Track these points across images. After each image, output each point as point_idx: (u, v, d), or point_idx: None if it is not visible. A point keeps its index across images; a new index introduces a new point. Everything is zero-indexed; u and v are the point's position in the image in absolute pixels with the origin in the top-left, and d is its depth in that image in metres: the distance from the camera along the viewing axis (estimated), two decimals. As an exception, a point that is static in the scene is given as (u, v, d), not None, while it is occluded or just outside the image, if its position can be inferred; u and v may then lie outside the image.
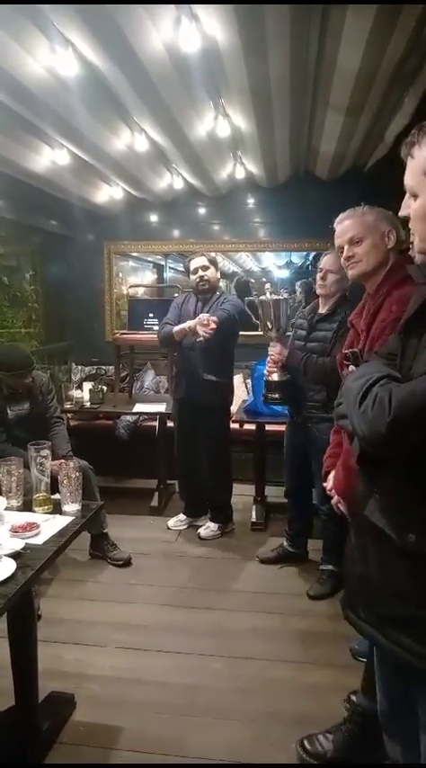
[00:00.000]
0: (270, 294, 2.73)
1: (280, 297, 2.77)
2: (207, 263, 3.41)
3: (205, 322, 3.08)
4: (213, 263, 3.44)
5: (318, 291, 2.87)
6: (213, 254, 3.57)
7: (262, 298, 2.78)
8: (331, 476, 1.90)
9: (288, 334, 2.87)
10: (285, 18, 2.15)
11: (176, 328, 3.31)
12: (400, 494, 1.10)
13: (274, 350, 2.77)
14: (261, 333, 2.84)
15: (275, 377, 2.79)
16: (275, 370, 2.78)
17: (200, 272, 3.39)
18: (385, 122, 3.38)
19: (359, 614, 1.23)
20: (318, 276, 2.84)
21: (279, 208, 4.88)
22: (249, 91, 2.76)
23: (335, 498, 1.83)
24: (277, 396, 2.81)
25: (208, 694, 2.17)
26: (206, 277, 3.38)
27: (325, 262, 2.82)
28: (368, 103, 2.94)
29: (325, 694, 2.00)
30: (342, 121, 3.17)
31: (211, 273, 3.41)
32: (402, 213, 1.19)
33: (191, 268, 3.43)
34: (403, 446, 1.05)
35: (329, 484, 1.90)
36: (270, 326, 2.75)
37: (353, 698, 1.89)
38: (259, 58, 2.43)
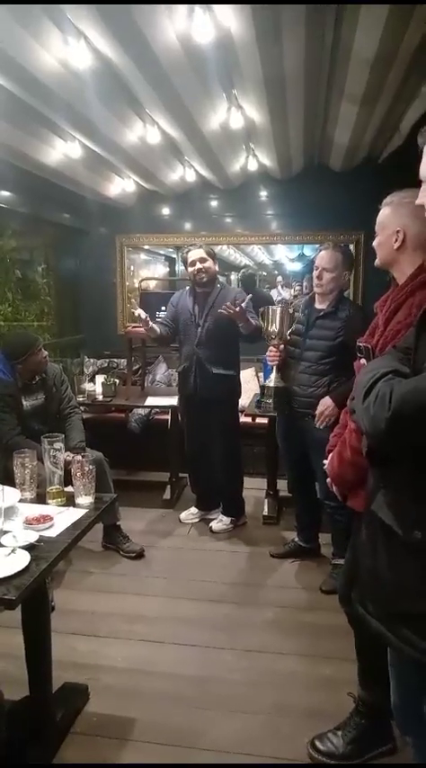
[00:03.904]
0: (280, 293, 2.75)
1: (285, 306, 2.84)
2: (204, 256, 3.29)
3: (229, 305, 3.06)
4: (211, 255, 3.33)
5: (315, 290, 2.81)
6: (212, 248, 3.44)
7: (269, 307, 2.87)
8: (331, 456, 1.79)
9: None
10: (300, 6, 2.12)
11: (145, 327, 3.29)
12: (407, 490, 1.10)
13: (272, 354, 2.84)
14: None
15: (271, 382, 2.81)
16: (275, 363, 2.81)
17: (198, 265, 3.28)
18: (400, 112, 3.34)
19: (367, 609, 1.23)
20: (314, 274, 2.77)
21: (292, 200, 4.83)
22: (263, 81, 2.73)
23: (329, 480, 1.77)
24: (270, 402, 2.83)
25: (219, 686, 2.18)
26: (203, 270, 3.29)
27: (321, 259, 2.74)
28: (383, 93, 2.89)
29: (337, 688, 2.00)
30: (357, 111, 3.12)
31: (209, 266, 3.31)
32: (418, 201, 1.19)
33: (189, 260, 3.34)
34: (404, 442, 1.04)
35: (327, 464, 1.81)
36: (273, 336, 2.84)
37: (355, 691, 1.89)
38: (273, 48, 2.40)
